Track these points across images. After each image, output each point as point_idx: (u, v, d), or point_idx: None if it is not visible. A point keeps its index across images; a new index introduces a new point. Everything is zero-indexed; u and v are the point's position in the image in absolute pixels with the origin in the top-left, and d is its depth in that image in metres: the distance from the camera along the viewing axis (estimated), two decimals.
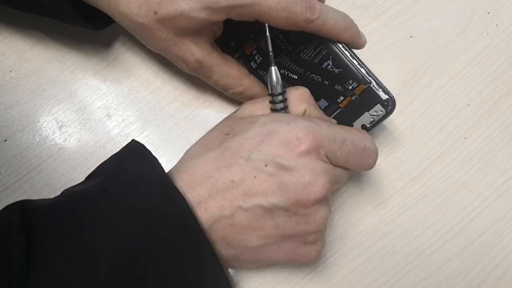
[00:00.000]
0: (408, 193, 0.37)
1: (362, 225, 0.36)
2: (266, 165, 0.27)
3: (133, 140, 0.30)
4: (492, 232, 0.36)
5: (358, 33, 0.32)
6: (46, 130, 0.37)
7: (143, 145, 0.29)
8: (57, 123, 0.37)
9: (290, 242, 0.28)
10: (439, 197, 0.37)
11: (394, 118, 0.38)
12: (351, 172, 0.32)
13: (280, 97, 0.31)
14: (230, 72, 0.34)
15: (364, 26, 0.40)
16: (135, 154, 0.29)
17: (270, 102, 0.31)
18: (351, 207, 0.36)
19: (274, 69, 0.31)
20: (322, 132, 0.28)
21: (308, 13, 0.29)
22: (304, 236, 0.28)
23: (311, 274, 0.35)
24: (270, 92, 0.31)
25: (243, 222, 0.27)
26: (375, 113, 0.32)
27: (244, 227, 0.27)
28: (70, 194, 0.27)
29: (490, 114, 0.39)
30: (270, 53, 0.31)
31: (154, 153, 0.37)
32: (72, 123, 0.37)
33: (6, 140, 0.36)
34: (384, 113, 0.32)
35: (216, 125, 0.32)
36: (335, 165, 0.29)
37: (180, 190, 0.26)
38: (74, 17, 0.33)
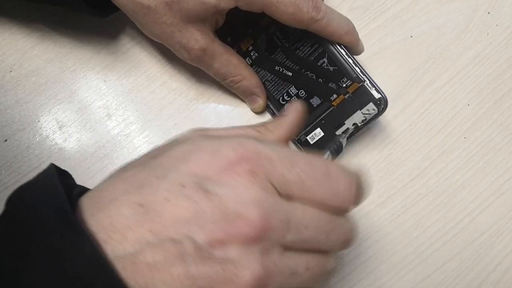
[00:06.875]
0: (408, 193, 0.37)
1: (363, 225, 0.36)
2: (183, 186, 0.21)
3: (50, 165, 0.24)
4: (492, 233, 0.36)
5: (357, 39, 0.33)
6: (46, 130, 0.37)
7: (54, 173, 0.22)
8: (57, 123, 0.37)
9: None
10: (439, 197, 0.37)
11: (394, 118, 0.38)
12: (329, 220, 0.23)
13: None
14: (231, 60, 0.34)
15: (364, 26, 0.40)
16: (40, 184, 0.23)
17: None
18: None
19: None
20: (259, 148, 0.22)
21: (314, 12, 0.30)
22: None
23: None
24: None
25: (148, 260, 0.20)
26: (367, 112, 0.33)
27: (148, 267, 0.20)
28: None
29: (490, 114, 0.39)
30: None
31: None
32: (73, 123, 0.37)
33: (6, 140, 0.36)
34: (376, 111, 0.32)
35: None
36: (289, 197, 0.22)
37: (80, 218, 0.21)
38: (78, 3, 0.32)
